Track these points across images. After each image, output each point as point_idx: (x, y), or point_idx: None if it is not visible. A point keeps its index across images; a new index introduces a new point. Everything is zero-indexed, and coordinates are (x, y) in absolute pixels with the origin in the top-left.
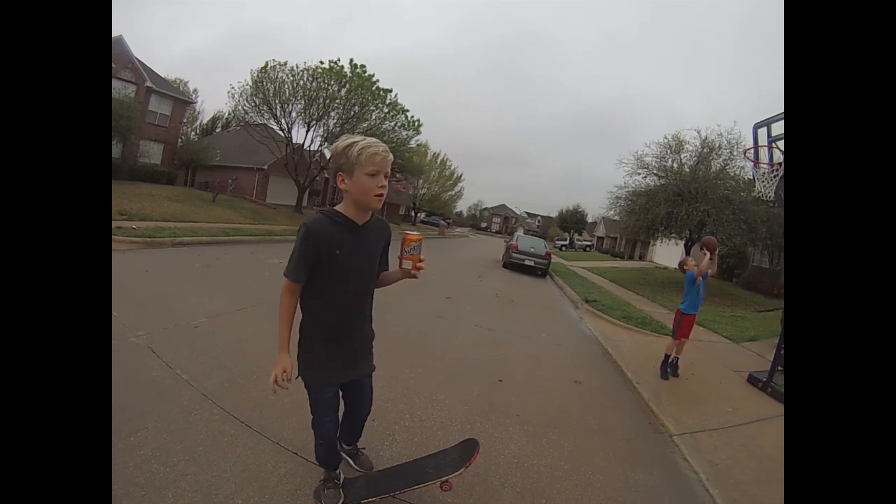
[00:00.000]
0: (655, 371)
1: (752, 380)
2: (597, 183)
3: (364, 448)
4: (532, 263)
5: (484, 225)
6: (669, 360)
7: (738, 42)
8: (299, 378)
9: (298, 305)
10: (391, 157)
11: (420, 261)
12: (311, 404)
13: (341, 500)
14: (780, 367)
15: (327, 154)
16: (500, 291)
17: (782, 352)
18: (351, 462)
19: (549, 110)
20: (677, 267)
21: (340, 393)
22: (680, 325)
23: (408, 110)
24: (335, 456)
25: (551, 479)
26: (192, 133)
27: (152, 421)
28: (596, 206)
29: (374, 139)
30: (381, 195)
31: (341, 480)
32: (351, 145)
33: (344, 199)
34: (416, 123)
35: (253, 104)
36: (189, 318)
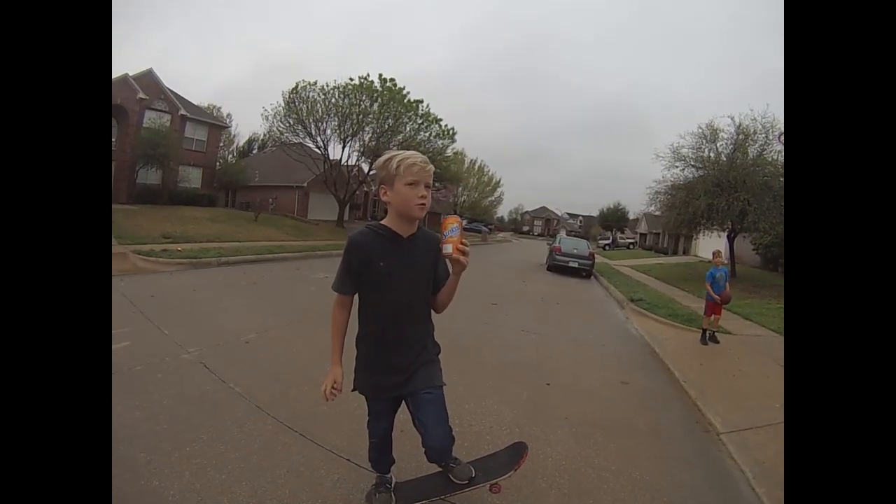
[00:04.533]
0: (702, 368)
1: None
2: (630, 175)
3: (456, 459)
4: (576, 265)
5: (526, 228)
6: (707, 335)
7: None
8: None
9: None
10: (431, 167)
11: (461, 243)
12: (367, 407)
13: None
14: None
15: (365, 168)
16: (545, 294)
17: None
18: (451, 477)
19: (563, 107)
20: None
21: (407, 406)
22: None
23: (441, 119)
24: (386, 459)
25: (598, 479)
26: (230, 156)
27: (207, 432)
28: (635, 201)
29: (414, 152)
30: (422, 204)
31: (392, 484)
32: (390, 159)
33: (388, 212)
34: (451, 132)
35: (287, 124)
36: (239, 334)
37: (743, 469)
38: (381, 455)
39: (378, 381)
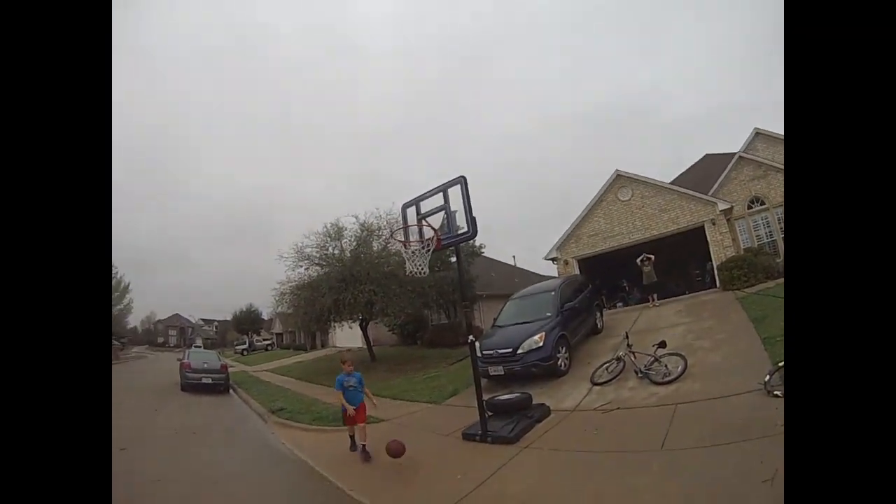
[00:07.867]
0: (372, 469)
1: (468, 437)
2: (261, 276)
3: None
4: (210, 381)
5: (161, 339)
6: (357, 444)
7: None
8: None
9: None
10: None
11: None
12: None
13: None
14: (489, 413)
15: None
16: (179, 425)
17: (483, 399)
18: None
19: (196, 210)
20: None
21: None
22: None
23: None
24: None
25: None
26: None
27: None
28: (268, 301)
29: None
30: None
31: None
32: None
33: None
34: None
35: None
36: None
37: None
38: None
39: None
